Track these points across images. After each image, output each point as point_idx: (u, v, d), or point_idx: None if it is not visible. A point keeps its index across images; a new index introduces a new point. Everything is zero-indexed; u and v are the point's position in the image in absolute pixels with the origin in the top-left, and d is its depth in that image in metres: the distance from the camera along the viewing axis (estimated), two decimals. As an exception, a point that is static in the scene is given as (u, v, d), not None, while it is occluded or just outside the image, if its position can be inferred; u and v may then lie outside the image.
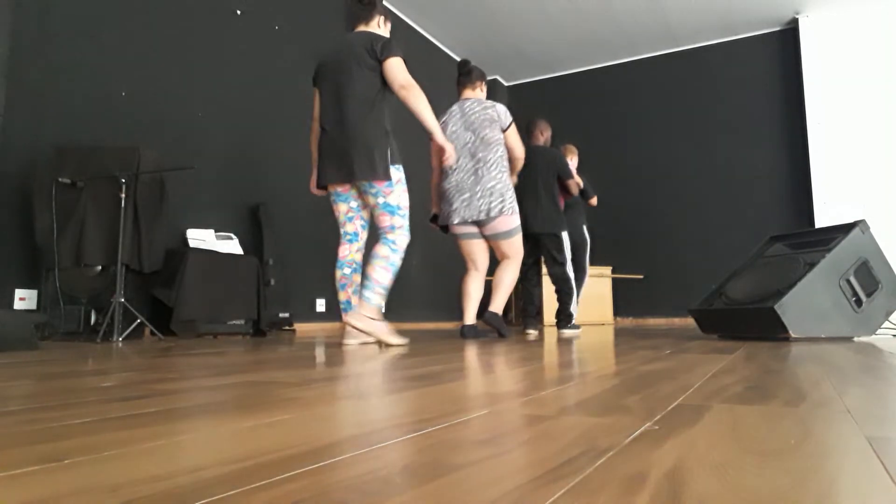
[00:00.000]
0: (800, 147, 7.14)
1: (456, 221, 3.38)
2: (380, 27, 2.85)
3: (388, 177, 2.60)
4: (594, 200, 5.32)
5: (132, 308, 3.16)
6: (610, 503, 0.40)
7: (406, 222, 2.69)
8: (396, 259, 2.63)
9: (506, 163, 3.42)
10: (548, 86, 8.89)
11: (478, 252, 3.44)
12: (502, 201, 3.33)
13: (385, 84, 2.68)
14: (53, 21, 3.58)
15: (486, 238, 3.44)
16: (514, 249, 3.42)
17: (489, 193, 3.31)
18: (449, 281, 7.22)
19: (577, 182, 4.35)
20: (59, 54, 3.59)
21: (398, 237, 2.66)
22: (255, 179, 4.93)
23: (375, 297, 2.58)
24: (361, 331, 2.53)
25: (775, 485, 0.44)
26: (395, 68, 2.62)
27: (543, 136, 4.42)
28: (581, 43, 7.85)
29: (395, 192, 2.64)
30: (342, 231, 2.80)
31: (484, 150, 3.35)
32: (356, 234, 2.78)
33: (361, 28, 2.82)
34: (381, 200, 2.64)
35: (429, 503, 0.40)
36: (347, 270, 2.76)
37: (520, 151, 3.51)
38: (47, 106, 3.51)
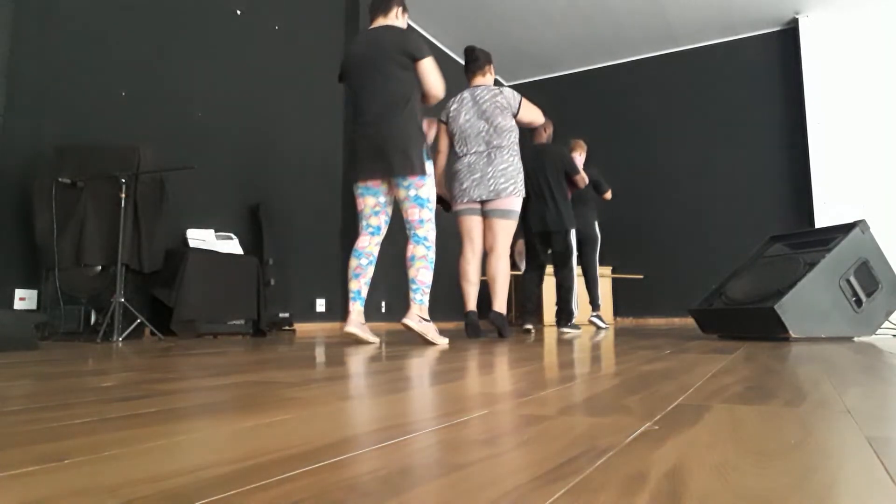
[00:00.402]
0: (800, 147, 7.14)
1: (465, 200, 3.41)
2: (398, 18, 2.90)
3: (424, 171, 2.72)
4: (609, 195, 5.33)
5: (132, 308, 3.16)
6: (610, 503, 0.40)
7: (433, 215, 2.79)
8: (433, 255, 2.76)
9: (517, 147, 3.49)
10: (548, 86, 8.89)
11: (476, 229, 3.47)
12: (514, 184, 3.39)
13: (417, 83, 2.77)
14: (53, 21, 3.58)
15: (485, 214, 3.46)
16: (505, 234, 3.41)
17: (501, 175, 3.37)
18: (448, 281, 7.21)
19: (583, 177, 4.37)
20: (59, 54, 3.59)
21: (429, 232, 2.76)
22: (255, 179, 4.93)
23: (425, 298, 2.73)
24: (417, 332, 2.67)
25: (775, 485, 0.44)
26: (431, 73, 2.74)
27: (546, 132, 4.44)
28: (581, 43, 7.85)
29: (426, 185, 2.75)
30: (364, 223, 2.85)
31: (498, 137, 3.40)
32: (378, 228, 2.85)
33: (381, 21, 2.86)
34: (412, 193, 2.73)
35: (429, 503, 0.40)
36: (364, 262, 2.81)
37: (540, 120, 3.59)
38: (47, 106, 3.51)
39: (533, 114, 3.53)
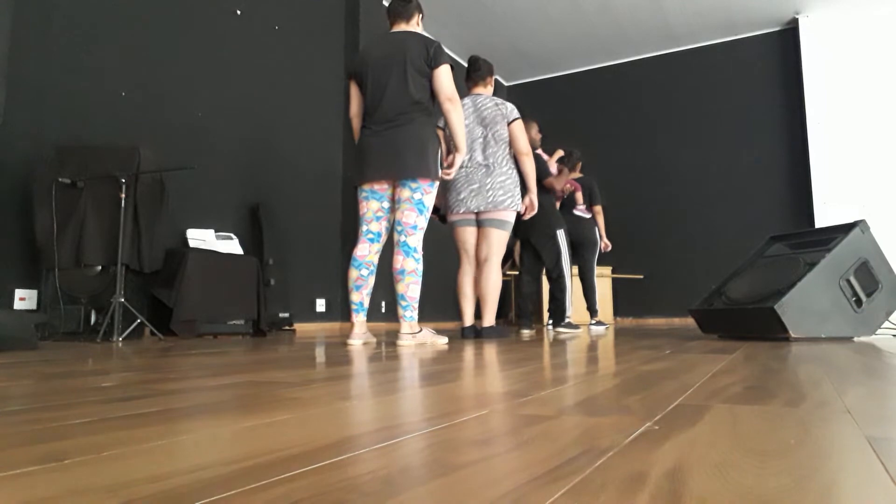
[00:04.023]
0: (800, 147, 7.14)
1: (461, 211, 3.40)
2: (419, 25, 2.90)
3: (436, 178, 2.69)
4: (597, 208, 5.22)
5: (132, 308, 3.16)
6: (610, 503, 0.40)
7: (426, 225, 2.74)
8: (422, 268, 2.71)
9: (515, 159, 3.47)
10: (548, 86, 8.88)
11: (471, 240, 3.47)
12: (511, 197, 3.37)
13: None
14: (53, 21, 3.58)
15: (479, 224, 3.45)
16: (499, 245, 3.41)
17: (499, 187, 3.35)
18: (448, 281, 7.21)
19: (554, 182, 4.24)
20: (59, 54, 3.59)
21: (419, 242, 2.70)
22: (255, 179, 4.93)
23: (415, 313, 2.69)
24: (415, 346, 2.60)
25: (775, 485, 0.44)
26: (446, 77, 2.71)
27: (529, 135, 4.39)
28: (581, 43, 7.85)
29: (432, 193, 2.72)
30: (365, 229, 2.78)
31: (495, 145, 3.39)
32: (379, 235, 2.78)
33: (403, 27, 2.84)
34: (417, 196, 2.68)
35: (429, 503, 0.40)
36: (365, 272, 2.75)
37: (521, 145, 3.46)
38: (47, 106, 3.51)
39: (521, 136, 3.44)
